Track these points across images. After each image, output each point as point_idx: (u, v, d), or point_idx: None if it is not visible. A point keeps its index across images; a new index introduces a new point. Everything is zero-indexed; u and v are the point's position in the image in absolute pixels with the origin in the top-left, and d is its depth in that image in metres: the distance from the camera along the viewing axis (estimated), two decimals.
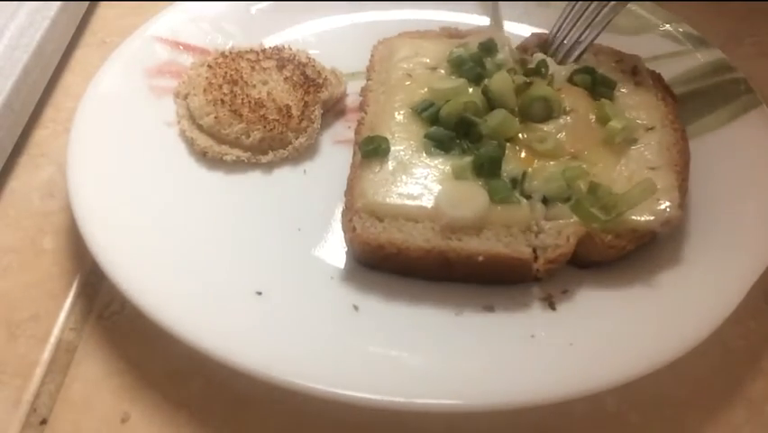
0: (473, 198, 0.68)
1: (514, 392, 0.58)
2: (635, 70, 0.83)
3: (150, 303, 0.62)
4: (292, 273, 0.69)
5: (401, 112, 0.76)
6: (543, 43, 0.86)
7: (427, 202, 0.68)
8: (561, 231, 0.68)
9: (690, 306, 0.64)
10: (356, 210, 0.68)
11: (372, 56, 0.86)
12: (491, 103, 0.76)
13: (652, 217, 0.68)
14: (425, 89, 0.78)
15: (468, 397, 0.58)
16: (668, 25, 0.89)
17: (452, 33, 0.87)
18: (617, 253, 0.68)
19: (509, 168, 0.71)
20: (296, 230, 0.73)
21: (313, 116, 0.80)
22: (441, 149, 0.72)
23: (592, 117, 0.76)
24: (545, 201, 0.70)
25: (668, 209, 0.69)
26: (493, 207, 0.68)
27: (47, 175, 0.81)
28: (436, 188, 0.69)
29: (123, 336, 0.67)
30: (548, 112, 0.76)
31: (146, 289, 0.63)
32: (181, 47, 0.86)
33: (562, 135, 0.74)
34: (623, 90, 0.80)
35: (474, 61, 0.80)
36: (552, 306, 0.66)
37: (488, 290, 0.67)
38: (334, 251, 0.71)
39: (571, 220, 0.69)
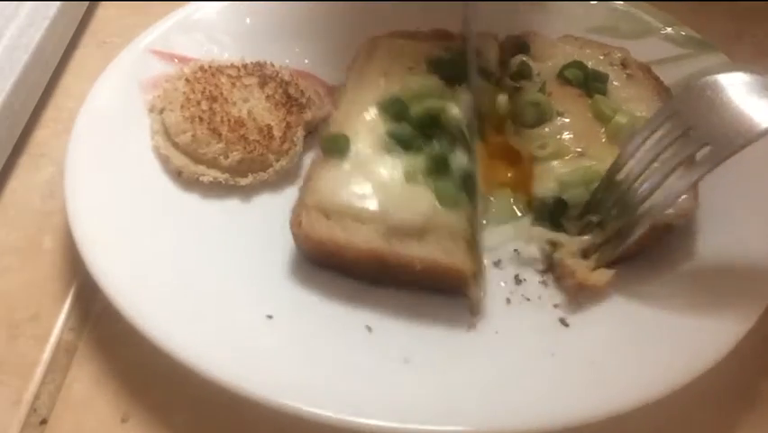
0: (417, 201, 0.67)
1: (536, 415, 0.58)
2: (624, 63, 0.83)
3: (158, 332, 0.61)
4: (302, 295, 0.67)
5: (370, 110, 0.75)
6: (522, 44, 0.85)
7: (374, 204, 0.67)
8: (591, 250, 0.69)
9: (705, 320, 0.64)
10: (306, 206, 0.68)
11: (357, 54, 0.84)
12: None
13: (670, 211, 0.68)
14: (398, 88, 0.77)
15: (487, 422, 0.57)
16: (669, 29, 0.88)
17: (442, 35, 0.86)
18: (636, 249, 0.68)
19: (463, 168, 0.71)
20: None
21: (295, 138, 0.77)
22: (403, 147, 0.71)
23: (589, 115, 0.76)
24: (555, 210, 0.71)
25: (684, 201, 0.68)
26: (440, 211, 0.67)
27: (47, 175, 0.81)
28: (387, 189, 0.69)
29: (124, 336, 0.67)
30: (540, 116, 0.76)
31: (152, 316, 0.62)
32: (176, 59, 0.84)
33: (562, 137, 0.74)
34: (615, 83, 0.80)
35: (455, 63, 0.79)
36: (564, 322, 0.66)
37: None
38: None
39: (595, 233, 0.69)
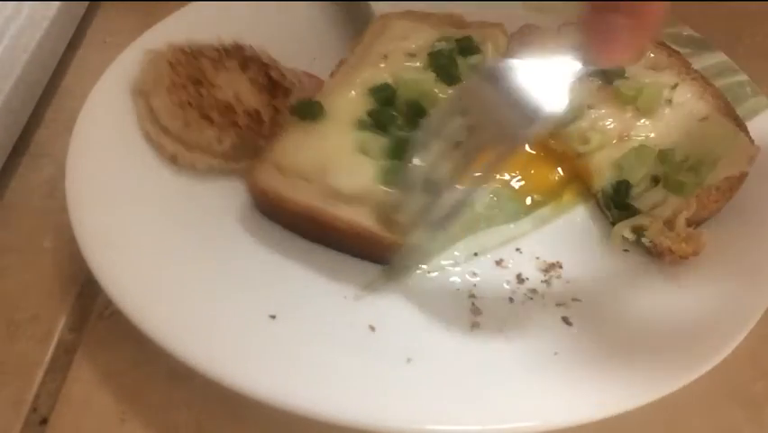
0: (358, 172, 0.70)
1: (540, 414, 0.58)
2: None
3: (159, 331, 0.60)
4: (305, 294, 0.67)
5: (358, 88, 0.76)
6: None
7: (321, 167, 0.70)
8: (675, 219, 0.69)
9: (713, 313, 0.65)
10: (265, 160, 0.72)
11: (367, 30, 0.85)
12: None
13: (740, 160, 0.70)
14: (391, 74, 0.77)
15: (491, 421, 0.57)
16: (670, 29, 0.88)
17: (455, 22, 0.86)
18: (721, 206, 0.70)
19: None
20: (308, 249, 0.71)
21: (284, 123, 0.77)
22: (378, 127, 0.73)
23: (616, 100, 0.77)
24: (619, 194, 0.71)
25: (747, 147, 0.71)
26: (378, 188, 0.69)
27: (47, 175, 0.81)
28: (338, 156, 0.71)
29: (123, 336, 0.67)
30: (573, 113, 0.76)
31: (153, 315, 0.61)
32: None
33: (601, 127, 0.75)
34: None
35: (448, 59, 0.79)
36: (567, 321, 0.66)
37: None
38: (349, 270, 0.70)
39: (670, 202, 0.70)
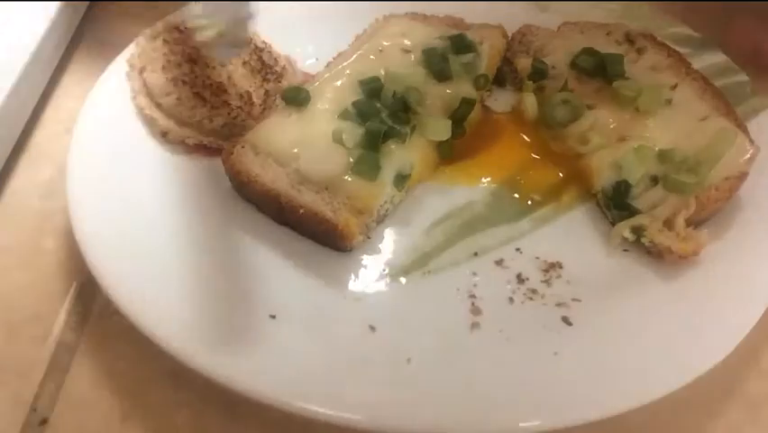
0: (329, 160, 0.71)
1: (539, 414, 0.58)
2: (629, 37, 0.84)
3: (158, 331, 0.60)
4: (305, 294, 0.67)
5: (347, 79, 0.78)
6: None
7: (294, 151, 0.72)
8: (674, 219, 0.69)
9: (713, 314, 0.65)
10: (245, 141, 0.73)
11: (369, 26, 0.87)
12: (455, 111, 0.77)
13: (740, 160, 0.70)
14: (382, 68, 0.78)
15: (491, 420, 0.58)
16: (670, 29, 0.88)
17: (455, 23, 0.87)
18: (721, 206, 0.71)
19: (402, 164, 0.73)
20: (308, 249, 0.71)
21: (274, 106, 0.78)
22: (359, 118, 0.74)
23: (616, 100, 0.77)
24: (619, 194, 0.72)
25: (747, 147, 0.71)
26: (350, 178, 0.70)
27: (47, 175, 0.81)
28: (312, 143, 0.72)
29: (123, 335, 0.67)
30: (572, 113, 0.77)
31: (153, 315, 0.61)
32: None
33: (601, 127, 0.76)
34: (629, 59, 0.81)
35: (440, 56, 0.79)
36: (567, 321, 0.66)
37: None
38: (349, 270, 0.70)
39: (669, 202, 0.70)
